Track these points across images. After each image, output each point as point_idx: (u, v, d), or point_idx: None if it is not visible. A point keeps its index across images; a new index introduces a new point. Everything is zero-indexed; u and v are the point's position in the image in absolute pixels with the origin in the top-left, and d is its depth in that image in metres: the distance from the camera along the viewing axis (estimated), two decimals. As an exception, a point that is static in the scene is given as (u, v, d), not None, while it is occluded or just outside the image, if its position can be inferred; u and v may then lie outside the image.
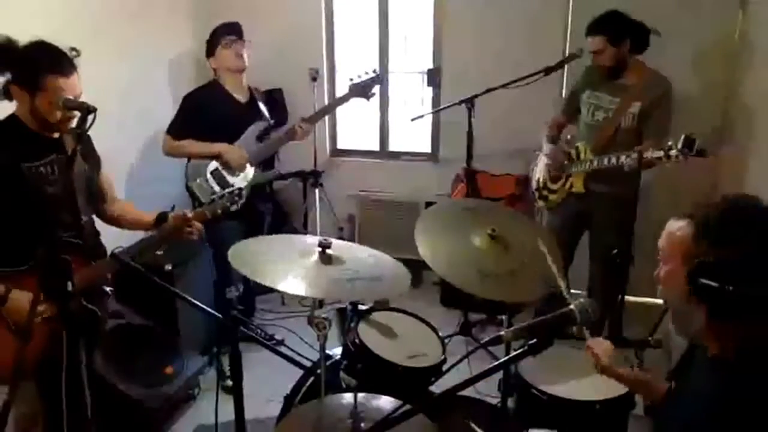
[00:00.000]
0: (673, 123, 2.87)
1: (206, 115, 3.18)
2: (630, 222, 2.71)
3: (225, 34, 3.22)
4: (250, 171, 3.30)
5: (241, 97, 3.30)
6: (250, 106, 3.33)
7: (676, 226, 1.23)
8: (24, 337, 1.63)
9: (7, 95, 1.93)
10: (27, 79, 1.88)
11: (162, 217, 2.25)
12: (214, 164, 3.22)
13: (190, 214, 2.21)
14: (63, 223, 1.99)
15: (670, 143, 2.42)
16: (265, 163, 3.39)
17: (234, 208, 2.37)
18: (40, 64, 1.86)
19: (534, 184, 3.34)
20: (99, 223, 2.29)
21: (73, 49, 1.92)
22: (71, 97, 1.87)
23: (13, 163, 1.92)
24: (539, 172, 3.29)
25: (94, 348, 2.36)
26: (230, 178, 3.24)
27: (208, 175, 3.22)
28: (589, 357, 1.70)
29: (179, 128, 3.20)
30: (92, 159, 2.20)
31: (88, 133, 2.08)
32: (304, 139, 3.38)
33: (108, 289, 2.16)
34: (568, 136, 3.21)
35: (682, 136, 2.38)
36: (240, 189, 2.40)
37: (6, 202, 1.94)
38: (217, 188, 3.21)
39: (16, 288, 1.91)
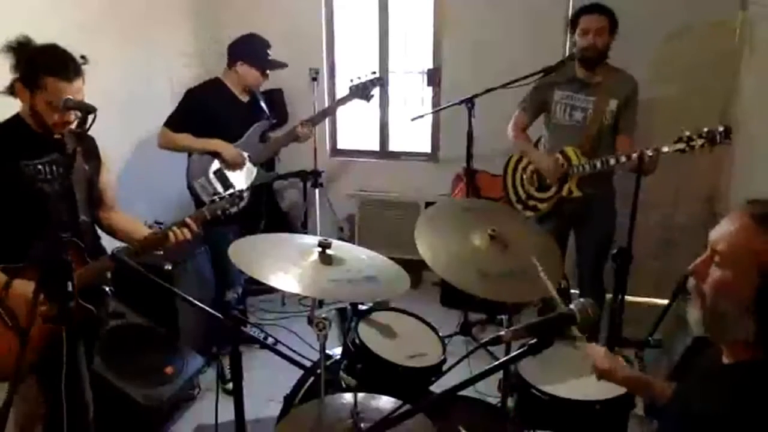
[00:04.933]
0: (672, 122, 2.86)
1: (208, 112, 3.15)
2: (614, 217, 3.05)
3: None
4: (253, 170, 3.29)
5: (244, 97, 3.29)
6: (253, 106, 3.32)
7: (753, 231, 1.06)
8: (24, 333, 1.62)
9: (12, 91, 1.96)
10: (29, 78, 1.91)
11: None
12: (216, 164, 3.20)
13: (188, 219, 2.17)
14: (60, 221, 1.98)
15: (688, 134, 2.47)
16: (266, 163, 3.38)
17: (234, 210, 2.34)
18: (43, 64, 1.88)
19: (513, 197, 3.21)
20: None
21: (82, 57, 1.94)
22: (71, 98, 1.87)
23: (12, 160, 1.95)
24: (519, 182, 3.20)
25: (93, 347, 2.36)
26: (233, 178, 3.22)
27: (211, 175, 3.20)
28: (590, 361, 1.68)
29: (178, 123, 3.14)
30: (94, 161, 2.19)
31: (93, 135, 2.11)
32: (306, 140, 3.39)
33: (107, 288, 2.15)
34: (543, 141, 3.16)
35: (705, 129, 2.46)
36: (241, 191, 2.35)
37: (3, 199, 1.96)
38: (219, 187, 3.19)
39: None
